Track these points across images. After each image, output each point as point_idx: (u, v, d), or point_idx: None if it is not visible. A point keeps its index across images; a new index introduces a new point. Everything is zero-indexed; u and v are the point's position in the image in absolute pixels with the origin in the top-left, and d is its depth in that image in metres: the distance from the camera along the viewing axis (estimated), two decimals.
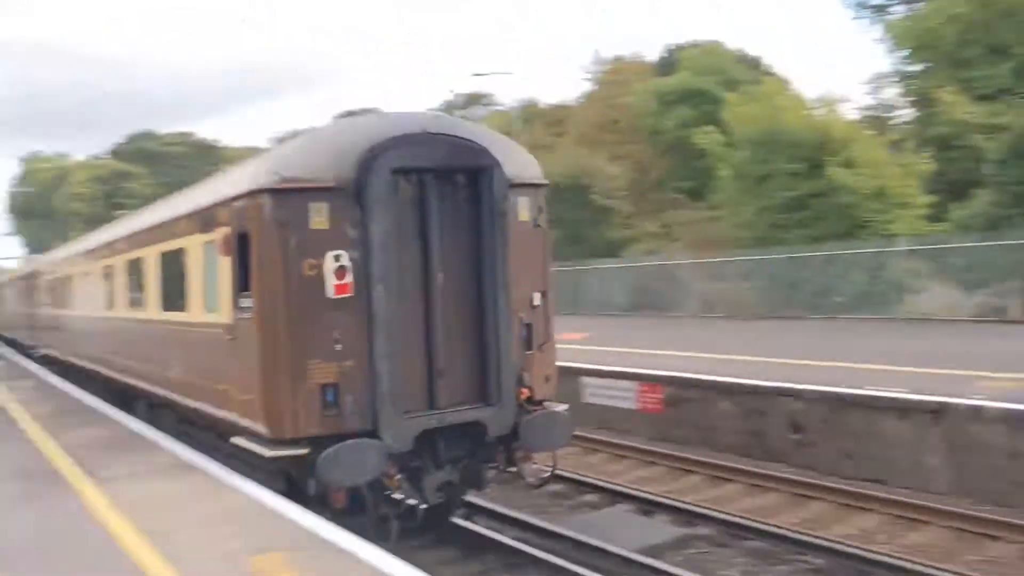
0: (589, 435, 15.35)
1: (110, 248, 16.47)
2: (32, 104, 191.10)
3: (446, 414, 9.04)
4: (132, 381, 14.90)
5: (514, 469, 9.81)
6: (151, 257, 13.20)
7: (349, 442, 8.37)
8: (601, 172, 36.16)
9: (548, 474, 10.09)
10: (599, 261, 26.69)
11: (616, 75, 46.94)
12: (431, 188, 9.14)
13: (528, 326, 9.58)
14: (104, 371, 17.42)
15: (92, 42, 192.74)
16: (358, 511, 8.72)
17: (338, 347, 8.58)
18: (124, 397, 16.01)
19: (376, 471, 8.50)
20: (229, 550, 6.94)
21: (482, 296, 9.27)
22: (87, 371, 19.33)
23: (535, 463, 9.97)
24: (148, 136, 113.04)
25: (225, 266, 9.58)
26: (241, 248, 9.14)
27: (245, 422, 9.21)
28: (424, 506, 9.39)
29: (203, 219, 10.57)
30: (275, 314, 8.64)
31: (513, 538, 10.15)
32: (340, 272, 8.57)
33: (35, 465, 11.10)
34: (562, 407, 9.90)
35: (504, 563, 9.54)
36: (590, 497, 12.39)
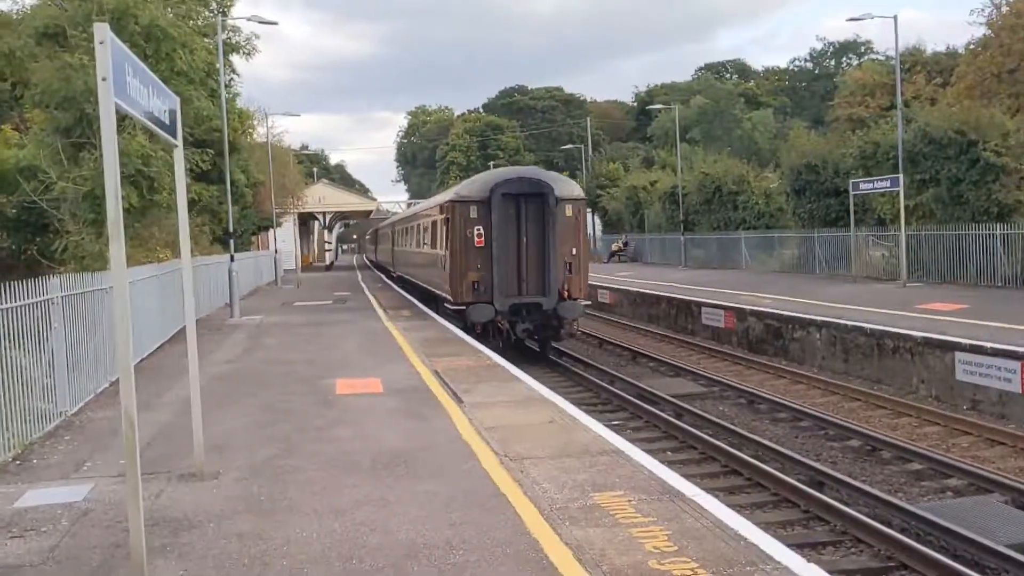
0: (955, 415, 13.99)
1: (415, 215, 30.20)
2: (422, 61, 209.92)
3: (524, 297, 18.98)
4: (419, 282, 27.66)
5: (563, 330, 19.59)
6: (426, 222, 25.15)
7: (480, 304, 18.71)
8: (993, 126, 32.35)
9: (576, 331, 20.29)
10: (985, 226, 24.03)
11: (1017, 18, 41.47)
12: (521, 202, 19.03)
13: (568, 264, 19.17)
14: (412, 278, 30.55)
15: (479, 3, 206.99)
16: (485, 336, 18.55)
17: (479, 266, 18.92)
18: (418, 291, 28.23)
19: (491, 317, 18.62)
20: (577, 482, 7.21)
21: (544, 249, 18.94)
22: (408, 280, 32.86)
23: (576, 331, 20.16)
24: (519, 91, 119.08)
25: (443, 230, 20.59)
26: (447, 223, 19.88)
27: (446, 295, 20.10)
28: (515, 339, 19.33)
29: (439, 209, 21.75)
30: (456, 251, 19.24)
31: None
32: (479, 236, 18.91)
33: (414, 384, 12.34)
34: (583, 301, 19.62)
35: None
36: (953, 482, 11.29)
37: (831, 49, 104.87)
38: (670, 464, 9.29)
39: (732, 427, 13.61)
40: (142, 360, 14.87)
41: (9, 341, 8.82)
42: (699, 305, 24.68)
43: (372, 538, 6.02)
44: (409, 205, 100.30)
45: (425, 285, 25.51)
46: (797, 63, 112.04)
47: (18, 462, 8.52)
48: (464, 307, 18.77)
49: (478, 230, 18.71)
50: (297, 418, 10.26)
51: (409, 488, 7.18)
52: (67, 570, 5.64)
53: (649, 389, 16.58)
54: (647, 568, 5.32)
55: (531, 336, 19.91)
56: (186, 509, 6.83)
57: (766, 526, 7.65)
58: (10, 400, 8.66)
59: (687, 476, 8.21)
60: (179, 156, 7.78)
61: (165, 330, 18.09)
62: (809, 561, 5.59)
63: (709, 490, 7.86)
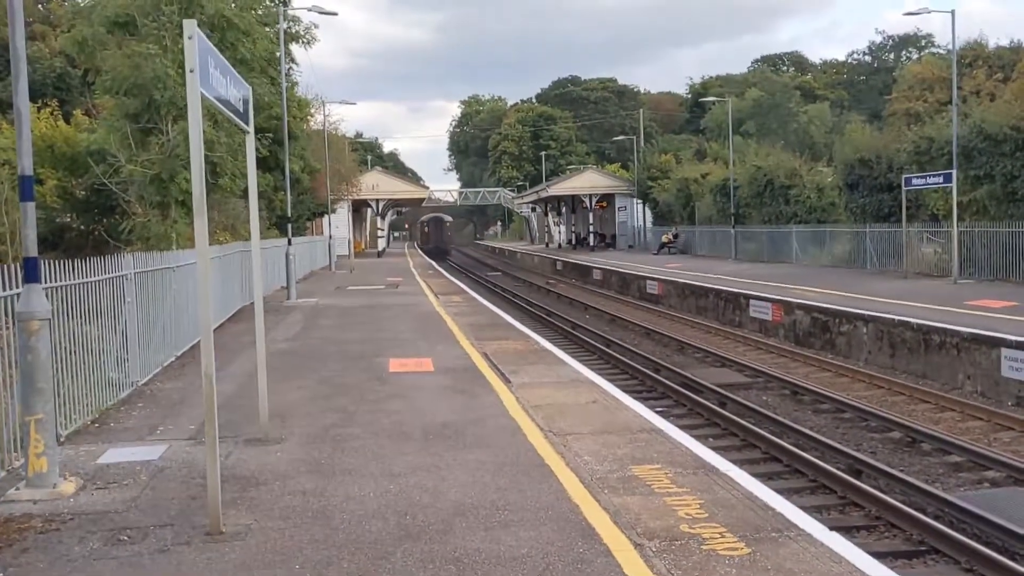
0: (999, 410, 14.07)
1: None
2: (477, 50, 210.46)
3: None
4: None
5: None
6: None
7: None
8: None
9: None
10: None
11: None
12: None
13: None
14: None
15: None
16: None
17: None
18: None
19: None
20: (617, 456, 7.61)
21: None
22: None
23: None
24: (573, 82, 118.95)
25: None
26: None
27: None
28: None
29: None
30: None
31: None
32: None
33: (464, 364, 12.82)
34: None
35: None
36: (991, 474, 11.44)
37: (890, 42, 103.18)
38: (711, 449, 9.63)
39: (774, 416, 13.86)
40: None
41: (88, 314, 9.44)
42: (747, 298, 24.83)
43: (424, 498, 6.49)
44: (461, 194, 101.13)
45: None
46: (855, 56, 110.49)
47: (97, 425, 9.16)
48: None
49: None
50: (353, 392, 10.79)
51: (458, 456, 7.64)
52: (149, 517, 6.20)
53: (694, 378, 16.87)
54: (679, 531, 5.71)
55: None
56: (253, 469, 7.37)
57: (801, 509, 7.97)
58: (89, 369, 9.28)
59: (727, 460, 8.55)
60: (250, 142, 8.31)
61: (225, 309, 18.79)
62: (831, 530, 5.92)
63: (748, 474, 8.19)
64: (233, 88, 7.09)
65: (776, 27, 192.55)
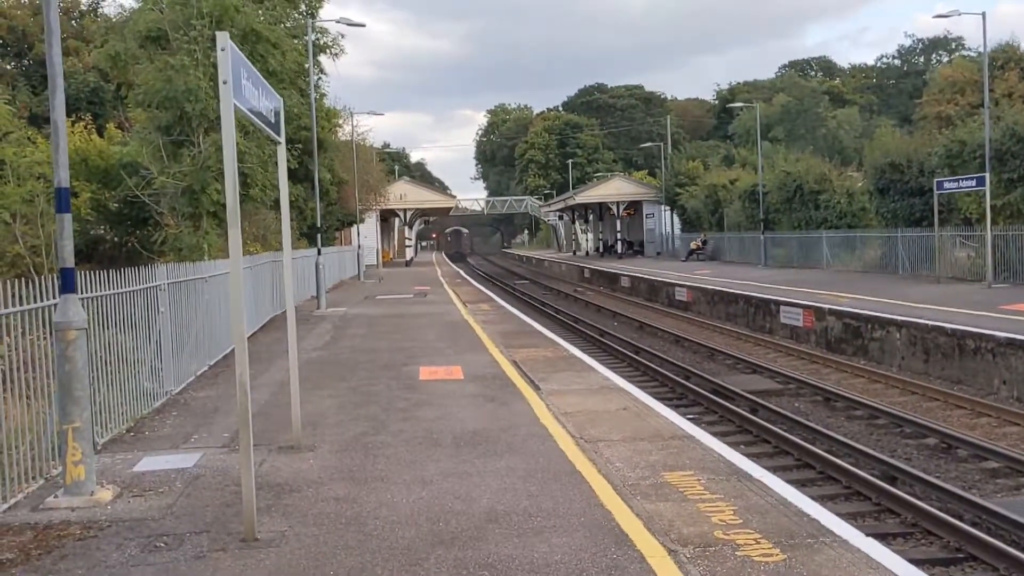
0: None
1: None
2: (503, 59, 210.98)
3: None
4: None
5: None
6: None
7: None
8: None
9: None
10: None
11: None
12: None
13: None
14: None
15: (558, 3, 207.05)
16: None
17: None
18: None
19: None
20: (648, 463, 7.58)
21: None
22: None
23: None
24: (599, 89, 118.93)
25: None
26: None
27: None
28: None
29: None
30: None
31: None
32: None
33: (493, 371, 12.84)
34: None
35: None
36: None
37: (920, 46, 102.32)
38: (744, 455, 9.57)
39: (807, 422, 13.74)
40: None
41: (122, 324, 9.56)
42: (777, 304, 24.65)
43: (456, 504, 6.50)
44: (488, 202, 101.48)
45: None
46: (885, 60, 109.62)
47: (132, 434, 9.27)
48: None
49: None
50: (383, 400, 10.84)
51: (489, 463, 7.64)
52: (184, 523, 6.26)
53: (724, 385, 16.76)
54: (712, 537, 5.68)
55: None
56: (286, 476, 7.42)
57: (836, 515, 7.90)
58: (123, 378, 9.40)
59: (759, 466, 8.49)
60: (282, 153, 8.39)
61: (256, 319, 18.96)
62: (868, 536, 5.86)
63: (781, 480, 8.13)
64: (265, 99, 7.17)
65: (803, 32, 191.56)
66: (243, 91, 6.24)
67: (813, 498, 9.54)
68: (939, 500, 10.04)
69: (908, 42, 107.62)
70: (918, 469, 11.27)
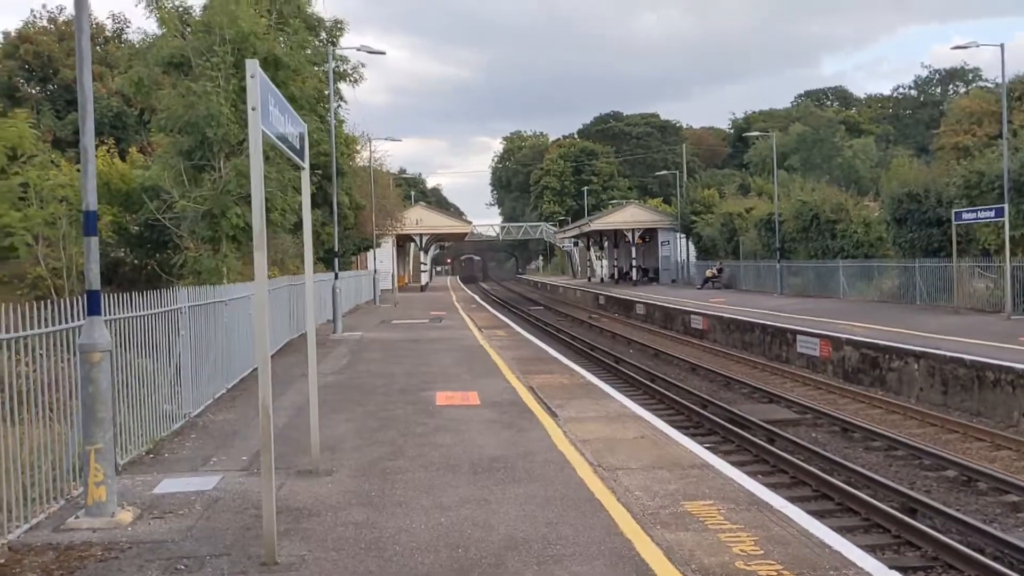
0: None
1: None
2: (519, 86, 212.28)
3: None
4: None
5: None
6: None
7: None
8: None
9: None
10: None
11: None
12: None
13: None
14: None
15: (576, 30, 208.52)
16: None
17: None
18: None
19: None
20: (668, 491, 7.55)
21: None
22: None
23: None
24: (615, 117, 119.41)
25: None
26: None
27: None
28: None
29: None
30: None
31: None
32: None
33: (510, 398, 12.83)
34: None
35: None
36: None
37: (937, 76, 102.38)
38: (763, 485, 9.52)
39: (824, 453, 13.66)
40: (254, 370, 15.72)
41: (143, 346, 9.63)
42: (794, 333, 24.57)
43: (475, 532, 6.49)
44: (503, 228, 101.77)
45: None
46: (901, 90, 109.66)
47: (151, 456, 9.31)
48: None
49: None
50: (401, 425, 10.85)
51: (508, 490, 7.63)
52: (205, 546, 6.28)
53: (741, 414, 16.69)
54: (734, 568, 5.65)
55: None
56: (305, 500, 7.43)
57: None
58: (143, 400, 9.45)
59: (779, 496, 8.45)
60: (305, 178, 8.48)
61: (274, 343, 19.01)
62: (891, 569, 5.81)
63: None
64: (291, 125, 7.26)
65: (820, 63, 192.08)
66: (270, 117, 6.33)
67: (833, 529, 9.56)
68: (960, 533, 9.95)
69: (925, 73, 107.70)
70: (938, 501, 11.18)
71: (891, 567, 8.60)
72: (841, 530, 10.15)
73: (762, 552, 5.95)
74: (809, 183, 48.33)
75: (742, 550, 5.98)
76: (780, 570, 5.61)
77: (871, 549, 9.55)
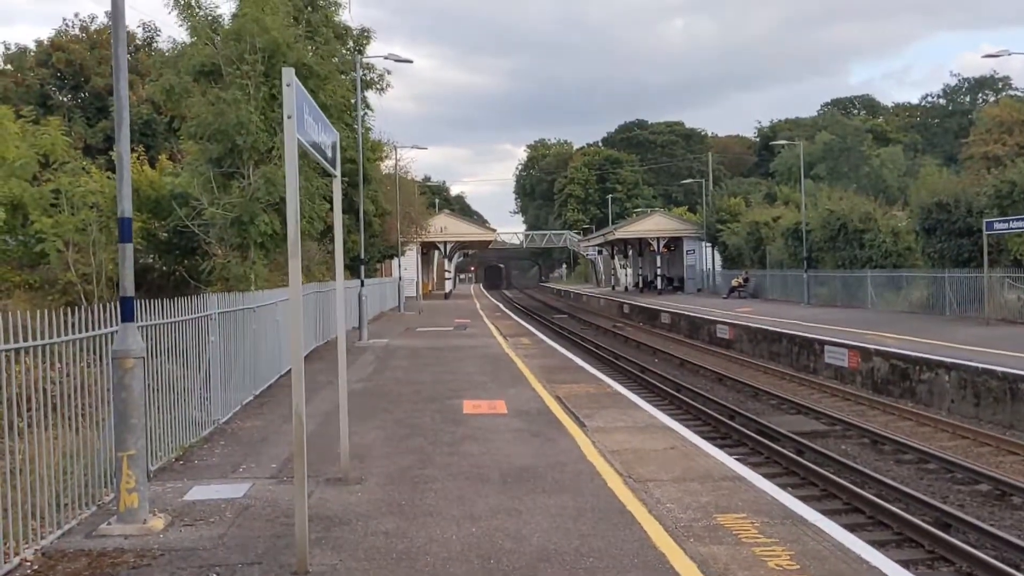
0: None
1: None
2: (543, 95, 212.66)
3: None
4: None
5: None
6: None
7: None
8: None
9: None
10: None
11: None
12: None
13: None
14: None
15: (601, 37, 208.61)
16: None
17: None
18: None
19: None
20: (700, 504, 7.47)
21: None
22: None
23: None
24: (639, 125, 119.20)
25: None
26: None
27: None
28: None
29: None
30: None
31: None
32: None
33: (537, 407, 12.78)
34: None
35: None
36: None
37: (966, 85, 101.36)
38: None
39: (855, 465, 13.50)
40: (280, 376, 15.79)
41: (173, 352, 9.67)
42: (822, 343, 24.34)
43: (506, 543, 6.45)
44: (526, 236, 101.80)
45: None
46: (929, 99, 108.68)
47: (181, 462, 9.34)
48: None
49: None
50: (429, 434, 10.83)
51: (539, 501, 7.58)
52: (236, 555, 6.27)
53: (770, 425, 16.54)
54: None
55: None
56: (335, 509, 7.42)
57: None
58: (172, 407, 9.49)
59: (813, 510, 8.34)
60: (337, 186, 8.49)
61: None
62: None
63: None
64: (323, 134, 7.28)
65: (846, 71, 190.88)
66: (305, 125, 6.34)
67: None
68: (994, 548, 9.78)
69: (954, 81, 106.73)
70: (972, 516, 11.00)
71: None
72: (874, 544, 10.04)
73: (798, 567, 5.86)
74: (837, 192, 47.92)
75: (778, 564, 5.90)
76: None
77: (904, 564, 9.45)
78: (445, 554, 6.21)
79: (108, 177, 20.18)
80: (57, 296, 20.04)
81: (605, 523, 6.92)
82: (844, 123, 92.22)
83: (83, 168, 21.90)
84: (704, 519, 7.01)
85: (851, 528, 10.54)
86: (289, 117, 5.84)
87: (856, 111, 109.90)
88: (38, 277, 21.16)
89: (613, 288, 79.98)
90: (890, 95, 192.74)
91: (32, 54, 49.00)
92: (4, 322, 6.09)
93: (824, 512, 11.19)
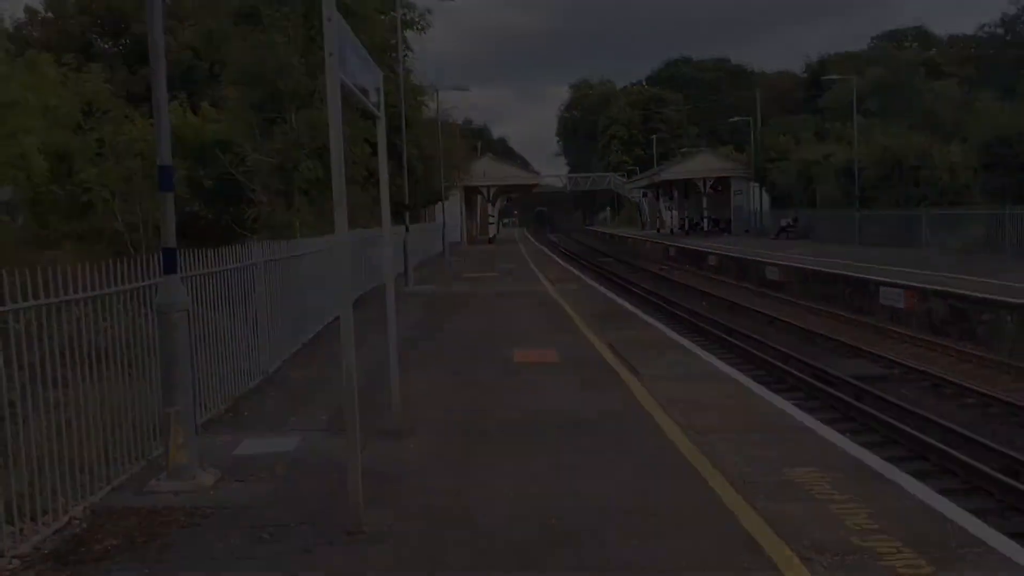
0: None
1: None
2: (586, 33, 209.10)
3: None
4: None
5: None
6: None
7: None
8: None
9: None
10: None
11: None
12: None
13: None
14: None
15: None
16: None
17: None
18: None
19: None
20: (767, 458, 7.13)
21: None
22: None
23: None
24: (684, 62, 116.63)
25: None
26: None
27: None
28: None
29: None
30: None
31: None
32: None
33: (589, 354, 12.50)
34: None
35: None
36: None
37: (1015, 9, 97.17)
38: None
39: (916, 410, 13.06)
40: (327, 324, 15.64)
41: (220, 302, 9.49)
42: (877, 284, 23.67)
43: (565, 501, 6.19)
44: (570, 179, 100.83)
45: None
46: (987, 29, 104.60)
47: (231, 414, 9.21)
48: None
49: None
50: (480, 384, 10.60)
51: (597, 455, 7.31)
52: (288, 513, 6.09)
53: (825, 369, 16.11)
54: (850, 544, 5.24)
55: None
56: (388, 464, 7.22)
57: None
58: (220, 358, 9.33)
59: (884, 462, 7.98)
60: (381, 128, 8.15)
61: None
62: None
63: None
64: (368, 74, 6.93)
65: (899, 1, 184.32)
66: (348, 64, 5.98)
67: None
68: None
69: (1013, 10, 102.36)
70: None
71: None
72: (941, 493, 9.67)
73: (877, 527, 5.52)
74: (891, 128, 46.48)
75: (856, 524, 5.56)
76: (899, 547, 5.19)
77: (975, 514, 9.06)
78: (503, 513, 5.97)
79: (151, 125, 20.10)
80: (104, 246, 20.10)
81: (669, 479, 6.63)
82: (896, 57, 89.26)
83: (126, 116, 21.81)
84: (773, 474, 6.67)
85: (916, 477, 10.20)
86: (331, 55, 5.48)
87: (909, 44, 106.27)
88: (86, 227, 21.22)
89: (658, 230, 79.04)
90: (945, 26, 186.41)
91: (73, 0, 48.86)
92: (48, 275, 5.90)
93: (886, 460, 10.87)
